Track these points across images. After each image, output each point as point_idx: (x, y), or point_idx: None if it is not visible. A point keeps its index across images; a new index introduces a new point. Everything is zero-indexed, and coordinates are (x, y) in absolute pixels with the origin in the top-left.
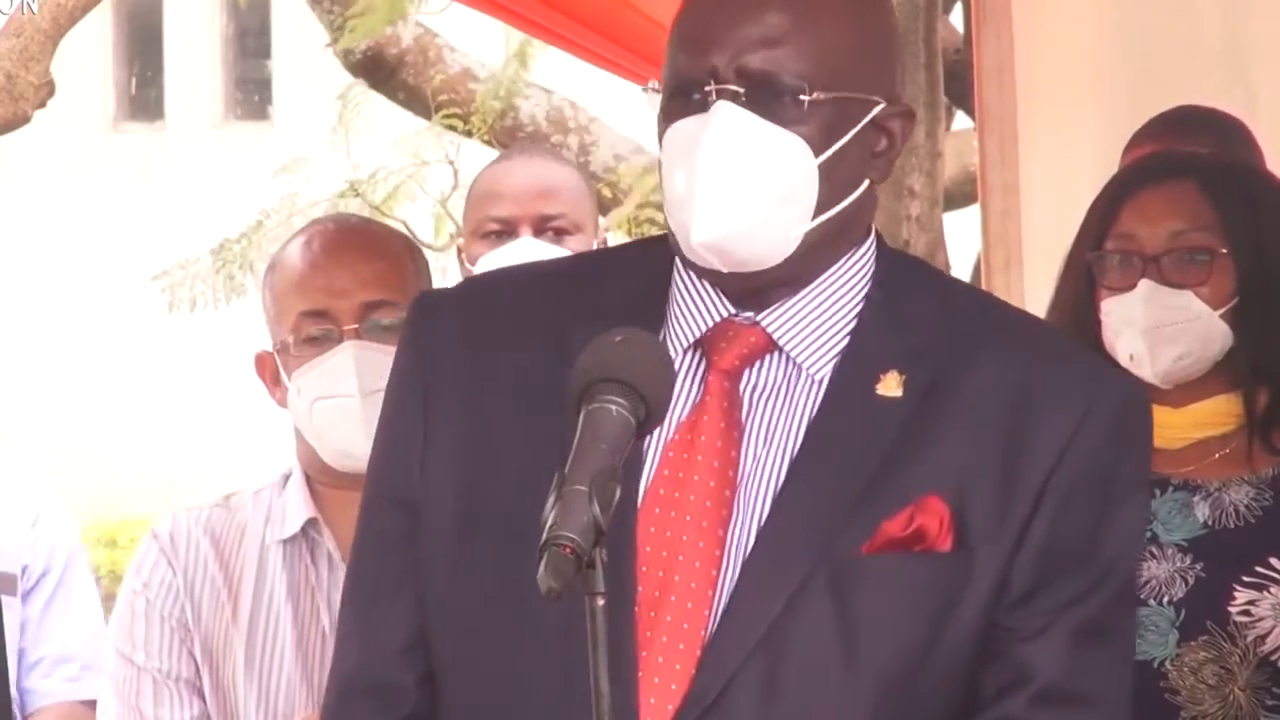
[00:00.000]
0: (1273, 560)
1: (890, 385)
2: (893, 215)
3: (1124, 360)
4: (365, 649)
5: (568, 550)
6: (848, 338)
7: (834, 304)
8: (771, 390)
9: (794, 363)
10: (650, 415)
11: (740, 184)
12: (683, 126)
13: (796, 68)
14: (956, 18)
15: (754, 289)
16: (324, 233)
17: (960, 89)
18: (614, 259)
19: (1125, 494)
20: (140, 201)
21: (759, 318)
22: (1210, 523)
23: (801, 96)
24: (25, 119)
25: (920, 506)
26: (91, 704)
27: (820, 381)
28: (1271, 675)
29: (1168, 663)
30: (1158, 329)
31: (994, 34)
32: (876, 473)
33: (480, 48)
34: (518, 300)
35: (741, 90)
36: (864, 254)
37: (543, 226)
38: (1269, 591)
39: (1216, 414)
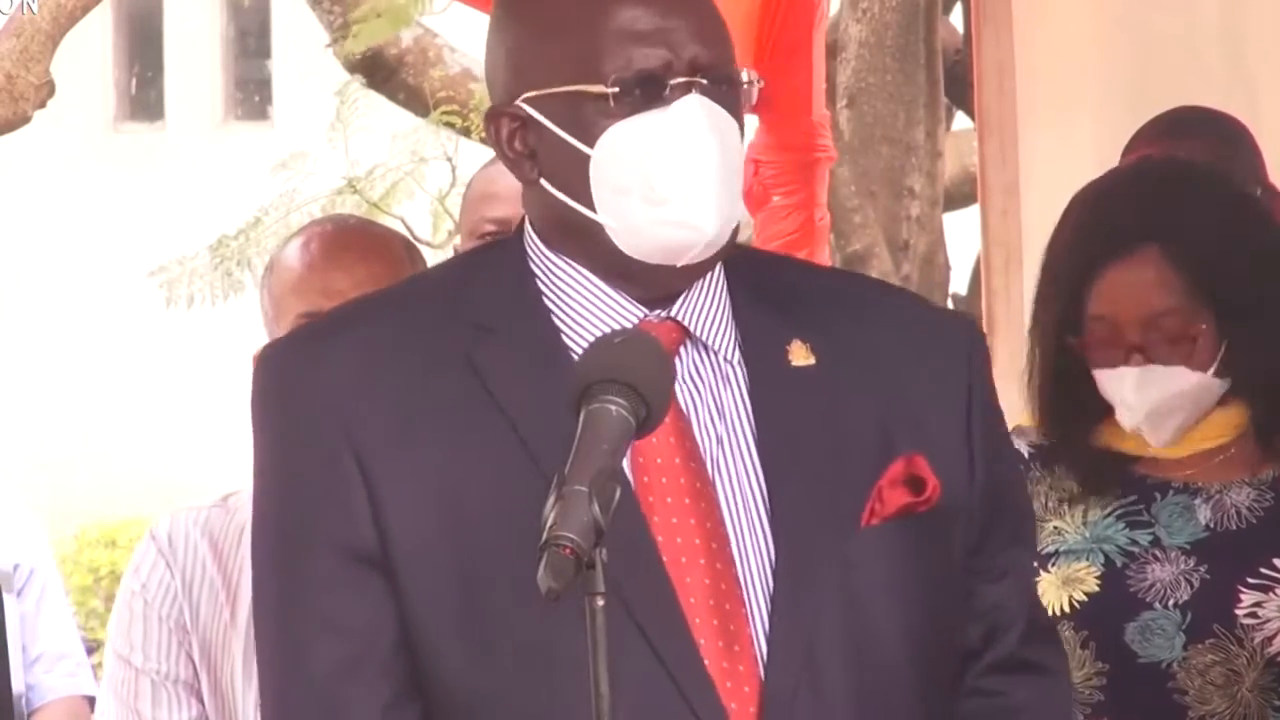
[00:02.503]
0: (1277, 562)
1: (800, 355)
2: (893, 215)
3: (1125, 426)
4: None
5: (567, 551)
6: (732, 319)
7: (715, 288)
8: (697, 378)
9: (708, 349)
10: (650, 416)
11: (733, 172)
12: (658, 120)
13: (730, 55)
14: (956, 18)
15: (682, 286)
16: (322, 234)
17: (960, 89)
18: (470, 269)
19: (1001, 420)
20: (140, 202)
21: (673, 313)
22: (1212, 525)
23: (745, 82)
24: (25, 119)
25: (901, 467)
26: (91, 699)
27: (732, 363)
28: (1278, 676)
29: (1175, 664)
30: (1156, 409)
31: (994, 35)
32: (846, 443)
33: (480, 48)
34: (393, 335)
35: (705, 81)
36: None
37: None
38: (1274, 593)
39: (1217, 426)
